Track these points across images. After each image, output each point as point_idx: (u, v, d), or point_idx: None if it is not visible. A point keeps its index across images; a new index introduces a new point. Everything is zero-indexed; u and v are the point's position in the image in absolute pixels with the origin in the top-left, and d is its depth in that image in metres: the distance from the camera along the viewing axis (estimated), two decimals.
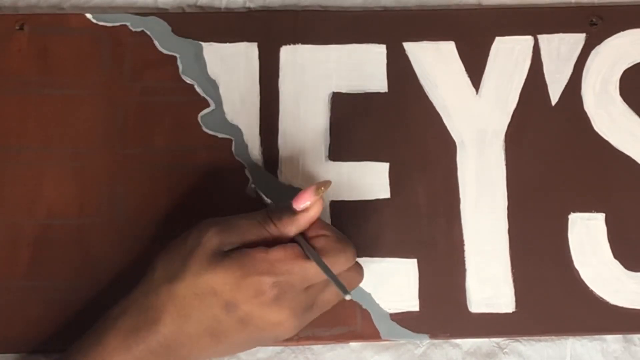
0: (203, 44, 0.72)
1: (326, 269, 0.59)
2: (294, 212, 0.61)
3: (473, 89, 0.72)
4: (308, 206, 0.61)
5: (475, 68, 0.72)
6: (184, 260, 0.59)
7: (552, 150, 0.71)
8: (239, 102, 0.71)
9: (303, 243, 0.60)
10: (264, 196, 0.66)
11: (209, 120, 0.71)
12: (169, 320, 0.58)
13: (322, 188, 0.61)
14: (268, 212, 0.62)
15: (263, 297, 0.58)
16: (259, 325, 0.59)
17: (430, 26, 0.73)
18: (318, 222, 0.62)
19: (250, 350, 0.67)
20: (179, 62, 0.72)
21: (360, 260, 0.68)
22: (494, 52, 0.73)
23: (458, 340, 0.69)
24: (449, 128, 0.71)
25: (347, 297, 0.59)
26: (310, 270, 0.59)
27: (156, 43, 0.72)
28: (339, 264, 0.60)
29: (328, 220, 0.69)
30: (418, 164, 0.71)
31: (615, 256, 0.69)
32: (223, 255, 0.58)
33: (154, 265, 0.61)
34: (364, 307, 0.68)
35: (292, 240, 0.61)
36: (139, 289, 0.61)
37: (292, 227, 0.61)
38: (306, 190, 0.61)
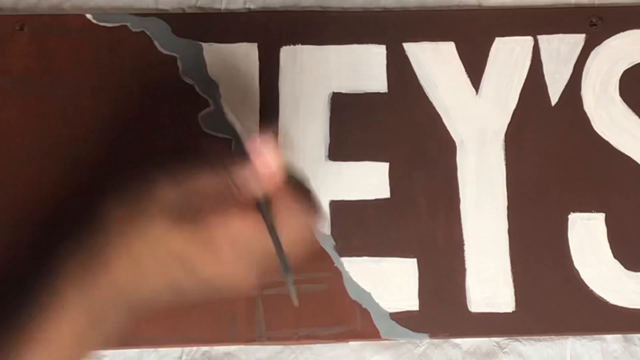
0: (203, 44, 0.72)
1: (278, 252, 0.54)
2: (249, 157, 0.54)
3: (473, 89, 0.72)
4: (262, 152, 0.54)
5: (475, 68, 0.72)
6: (144, 215, 0.55)
7: (552, 151, 0.71)
8: (239, 103, 0.71)
9: (263, 209, 0.55)
10: (235, 124, 0.59)
11: (209, 121, 0.71)
12: (124, 273, 0.55)
13: (279, 137, 0.58)
14: (228, 168, 0.55)
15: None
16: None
17: (430, 26, 0.73)
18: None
19: (250, 350, 0.67)
20: (179, 63, 0.72)
21: (360, 259, 0.68)
22: (494, 52, 0.73)
23: (458, 340, 0.69)
24: (448, 128, 0.71)
25: (293, 300, 0.55)
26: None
27: (156, 43, 0.72)
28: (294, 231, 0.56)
29: (327, 220, 0.69)
30: (418, 164, 0.71)
31: (615, 256, 0.69)
32: (176, 219, 0.54)
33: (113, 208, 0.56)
34: (363, 306, 0.68)
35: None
36: (95, 236, 0.56)
37: (251, 180, 0.55)
38: (264, 135, 0.55)
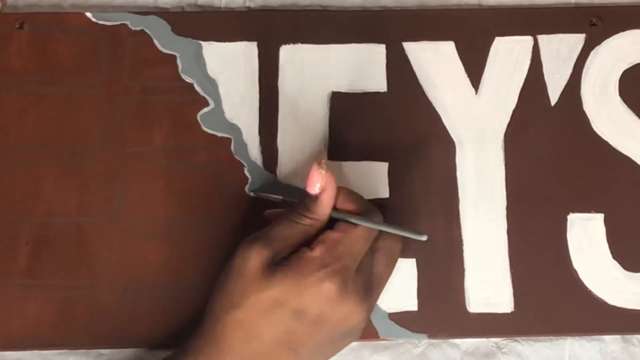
0: (203, 43, 0.72)
1: (381, 224, 0.61)
2: (315, 197, 0.61)
3: (472, 89, 0.72)
4: (322, 185, 0.61)
5: (474, 68, 0.72)
6: (239, 284, 0.58)
7: (552, 151, 0.71)
8: (238, 102, 0.71)
9: (342, 215, 0.61)
10: (271, 195, 0.66)
11: (209, 120, 0.71)
12: (239, 346, 0.58)
13: (322, 161, 0.61)
14: (294, 209, 0.62)
15: (327, 293, 0.58)
16: (332, 322, 0.59)
17: (430, 26, 0.73)
18: (340, 191, 0.63)
19: None
20: (178, 61, 0.72)
21: None
22: (494, 52, 0.73)
23: (456, 340, 0.69)
24: (448, 128, 0.71)
25: (423, 238, 0.61)
26: (354, 241, 0.60)
27: (156, 42, 0.72)
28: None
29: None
30: (417, 163, 0.70)
31: (614, 256, 0.69)
32: (274, 267, 0.58)
33: (212, 301, 0.60)
34: None
35: (330, 221, 0.62)
36: (204, 325, 0.60)
37: (322, 209, 0.61)
38: (311, 171, 0.61)
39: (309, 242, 0.60)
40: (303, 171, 0.70)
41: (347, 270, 0.58)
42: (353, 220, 0.61)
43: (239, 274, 0.58)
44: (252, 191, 0.69)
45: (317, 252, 0.59)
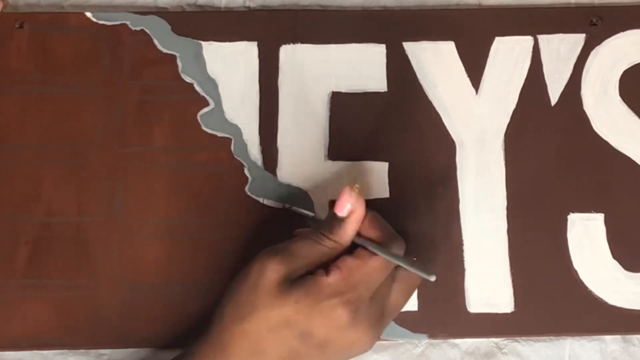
0: (203, 43, 0.72)
1: (397, 257, 0.60)
2: (341, 220, 0.61)
3: (473, 89, 0.72)
4: (351, 208, 0.61)
5: (475, 68, 0.72)
6: (251, 296, 0.58)
7: (552, 151, 0.71)
8: (238, 101, 0.71)
9: (363, 242, 0.61)
10: (304, 212, 0.67)
11: (209, 119, 0.71)
12: (244, 356, 0.58)
13: (355, 186, 0.61)
14: (318, 229, 0.61)
15: (338, 320, 0.58)
16: (338, 346, 0.59)
17: (430, 26, 0.73)
18: (367, 216, 0.62)
19: None
20: (178, 61, 0.72)
21: None
22: (494, 52, 0.73)
23: (457, 340, 0.69)
24: (448, 128, 0.71)
25: (432, 279, 0.60)
26: (371, 271, 0.59)
27: (156, 42, 0.72)
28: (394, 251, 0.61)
29: None
30: (417, 163, 0.70)
31: (615, 256, 0.69)
32: (290, 285, 0.58)
33: (222, 306, 0.60)
34: None
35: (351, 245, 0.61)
36: (211, 331, 0.60)
37: (346, 234, 0.61)
38: (342, 194, 0.61)
39: (328, 259, 0.60)
40: (303, 171, 0.70)
41: (360, 299, 0.58)
42: (372, 249, 0.60)
43: (254, 285, 0.59)
44: (285, 205, 0.69)
45: (333, 278, 0.58)
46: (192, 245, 0.69)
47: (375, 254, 0.60)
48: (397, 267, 0.62)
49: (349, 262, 0.59)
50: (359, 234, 0.61)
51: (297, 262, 0.59)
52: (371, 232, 0.62)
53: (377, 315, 0.60)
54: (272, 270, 0.58)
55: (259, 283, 0.58)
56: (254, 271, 0.59)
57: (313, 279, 0.58)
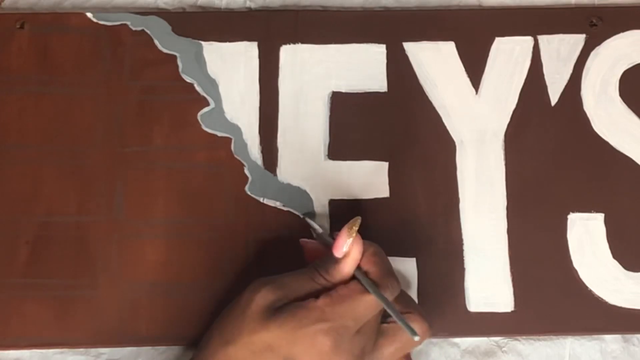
0: (203, 43, 0.72)
1: (386, 302, 0.59)
2: (337, 260, 0.60)
3: (473, 89, 0.72)
4: (348, 250, 0.60)
5: (475, 68, 0.72)
6: (237, 321, 0.59)
7: (552, 151, 0.71)
8: (238, 101, 0.71)
9: (359, 274, 0.60)
10: (313, 225, 0.66)
11: (209, 119, 0.71)
12: None
13: (354, 227, 0.60)
14: (315, 265, 0.61)
15: (320, 347, 0.57)
16: None
17: (430, 26, 0.73)
18: (367, 250, 0.61)
19: None
20: (179, 61, 0.72)
21: None
22: (494, 52, 0.73)
23: (457, 339, 0.69)
24: (448, 128, 0.71)
25: (415, 338, 0.58)
26: (361, 305, 0.59)
27: (156, 42, 0.72)
28: (386, 293, 0.60)
29: (327, 219, 0.69)
30: (417, 163, 0.71)
31: (615, 256, 0.69)
32: (275, 311, 0.58)
33: (211, 331, 0.61)
34: None
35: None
36: (199, 354, 0.60)
37: (340, 275, 0.60)
38: (340, 234, 0.60)
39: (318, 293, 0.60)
40: (303, 171, 0.70)
41: (345, 329, 0.58)
42: (365, 285, 0.59)
43: (242, 311, 0.59)
44: (304, 214, 0.69)
45: (322, 302, 0.58)
46: (192, 245, 0.69)
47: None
48: (408, 317, 0.61)
49: (341, 291, 0.59)
50: (357, 266, 0.61)
51: (287, 293, 0.59)
52: (369, 267, 0.61)
53: (359, 350, 0.59)
54: (260, 297, 0.58)
55: (247, 309, 0.58)
56: (244, 298, 0.59)
57: (300, 304, 0.58)
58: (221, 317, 0.61)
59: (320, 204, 0.69)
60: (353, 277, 0.60)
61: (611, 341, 0.69)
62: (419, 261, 0.69)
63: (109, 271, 0.68)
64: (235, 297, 0.61)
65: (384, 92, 0.72)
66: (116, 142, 0.70)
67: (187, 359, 0.64)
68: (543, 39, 0.73)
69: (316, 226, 0.67)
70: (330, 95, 0.72)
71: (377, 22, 0.73)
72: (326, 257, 0.61)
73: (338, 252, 0.60)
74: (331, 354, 0.57)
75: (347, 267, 0.60)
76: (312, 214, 0.69)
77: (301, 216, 0.69)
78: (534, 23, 0.73)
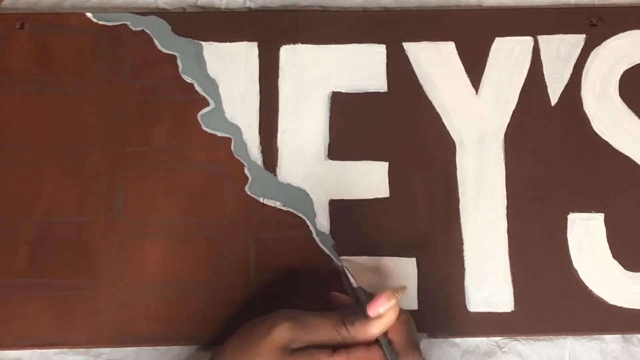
0: (203, 43, 0.72)
1: None
2: (367, 317, 0.59)
3: (473, 90, 0.72)
4: (382, 313, 0.59)
5: (475, 68, 0.72)
6: (252, 348, 0.58)
7: (552, 151, 0.71)
8: (238, 101, 0.71)
9: (382, 340, 0.59)
10: (351, 278, 0.63)
11: (209, 119, 0.71)
12: None
13: (399, 293, 0.59)
14: (342, 315, 0.60)
15: None
16: None
17: (430, 26, 0.73)
18: (399, 318, 0.60)
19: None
20: (179, 61, 0.72)
21: (359, 259, 0.68)
22: (494, 52, 0.73)
23: (457, 339, 0.69)
24: (448, 128, 0.71)
25: None
26: None
27: (156, 42, 0.72)
28: None
29: (327, 219, 0.69)
30: (417, 163, 0.70)
31: (615, 256, 0.69)
32: (290, 353, 0.57)
33: (225, 346, 0.60)
34: None
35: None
36: None
37: (365, 334, 0.59)
38: (381, 295, 0.59)
39: (337, 347, 0.59)
40: (303, 171, 0.70)
41: None
42: (386, 352, 0.58)
43: (259, 339, 0.58)
44: (344, 266, 0.65)
45: (336, 359, 0.57)
46: (192, 245, 0.69)
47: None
48: None
49: (359, 352, 0.58)
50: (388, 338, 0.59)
51: (306, 336, 0.58)
52: (395, 335, 0.59)
53: None
54: (279, 333, 0.58)
55: (264, 340, 0.58)
56: (265, 326, 0.59)
57: (316, 355, 0.57)
58: (238, 336, 0.60)
59: (320, 204, 0.69)
60: (376, 341, 0.59)
61: (611, 341, 0.69)
62: (419, 261, 0.69)
63: (109, 271, 0.68)
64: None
65: (384, 92, 0.72)
66: (116, 142, 0.70)
67: (186, 359, 0.64)
68: (543, 39, 0.73)
69: (353, 280, 0.63)
70: (330, 95, 0.72)
71: (377, 22, 0.73)
72: (356, 311, 0.60)
73: (372, 312, 0.59)
74: None
75: (375, 329, 0.59)
76: (350, 266, 0.66)
77: (340, 265, 0.66)
78: (534, 23, 0.73)
